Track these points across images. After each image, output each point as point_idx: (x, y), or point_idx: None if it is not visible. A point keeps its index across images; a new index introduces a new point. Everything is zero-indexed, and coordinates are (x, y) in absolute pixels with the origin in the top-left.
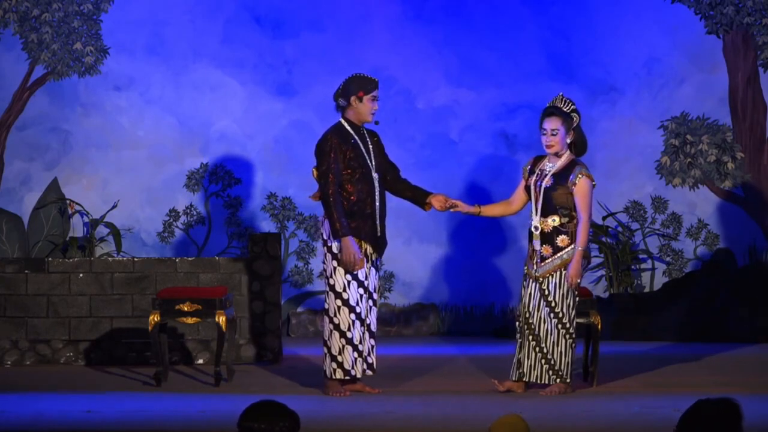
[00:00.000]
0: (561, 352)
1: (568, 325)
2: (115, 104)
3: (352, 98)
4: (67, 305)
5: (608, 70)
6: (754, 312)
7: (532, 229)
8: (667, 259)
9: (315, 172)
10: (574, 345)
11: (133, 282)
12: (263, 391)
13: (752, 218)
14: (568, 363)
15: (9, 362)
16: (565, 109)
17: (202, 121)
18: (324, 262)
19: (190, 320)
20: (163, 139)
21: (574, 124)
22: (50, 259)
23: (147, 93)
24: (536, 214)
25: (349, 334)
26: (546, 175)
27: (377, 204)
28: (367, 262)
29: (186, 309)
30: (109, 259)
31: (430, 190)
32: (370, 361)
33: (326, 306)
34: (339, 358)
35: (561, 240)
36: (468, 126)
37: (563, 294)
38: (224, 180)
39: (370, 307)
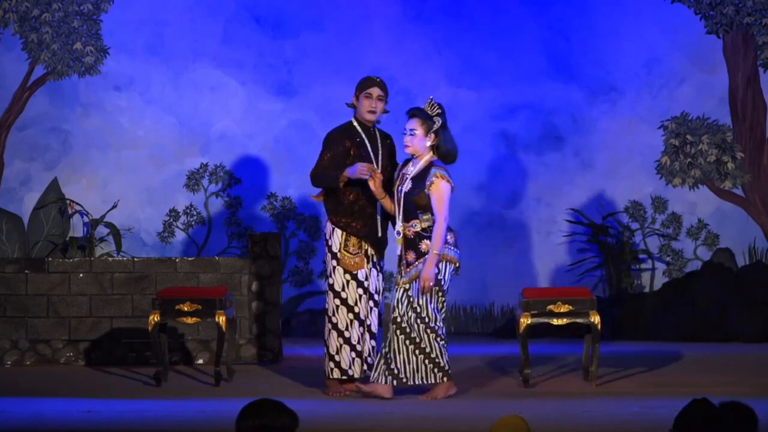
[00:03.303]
0: (438, 354)
1: (436, 328)
2: (115, 104)
3: (354, 98)
4: (67, 305)
5: (608, 70)
6: (754, 312)
7: (395, 235)
8: (667, 259)
9: None
10: (445, 345)
11: (133, 282)
12: (263, 391)
13: (752, 218)
14: (447, 362)
15: (9, 362)
16: (429, 112)
17: (202, 121)
18: (324, 262)
19: (190, 320)
20: (163, 139)
21: (435, 128)
22: (50, 259)
23: (147, 93)
24: (399, 219)
25: (347, 334)
26: (407, 179)
27: (379, 204)
28: (368, 262)
29: (186, 309)
30: (109, 259)
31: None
32: (370, 361)
33: (326, 305)
34: (336, 358)
35: (424, 245)
36: (468, 126)
37: (427, 299)
38: (224, 180)
39: (371, 308)
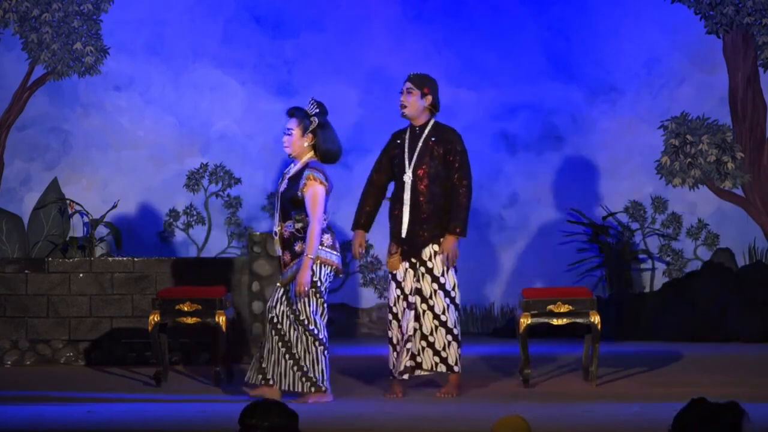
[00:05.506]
0: (313, 360)
1: (315, 332)
2: (115, 104)
3: None
4: (67, 305)
5: (608, 70)
6: (754, 312)
7: (273, 235)
8: (667, 259)
9: None
10: (326, 352)
11: (133, 282)
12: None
13: (752, 218)
14: (322, 370)
15: (9, 362)
16: (308, 111)
17: (202, 121)
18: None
19: (190, 320)
20: (163, 139)
21: (311, 127)
22: (50, 259)
23: (147, 93)
24: (277, 220)
25: (389, 333)
26: (286, 179)
27: (407, 206)
28: (406, 262)
29: (186, 309)
30: (109, 259)
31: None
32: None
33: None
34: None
35: (298, 246)
36: (468, 126)
37: (305, 302)
38: (224, 180)
39: (404, 309)
